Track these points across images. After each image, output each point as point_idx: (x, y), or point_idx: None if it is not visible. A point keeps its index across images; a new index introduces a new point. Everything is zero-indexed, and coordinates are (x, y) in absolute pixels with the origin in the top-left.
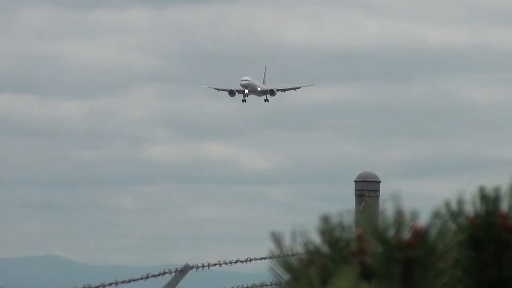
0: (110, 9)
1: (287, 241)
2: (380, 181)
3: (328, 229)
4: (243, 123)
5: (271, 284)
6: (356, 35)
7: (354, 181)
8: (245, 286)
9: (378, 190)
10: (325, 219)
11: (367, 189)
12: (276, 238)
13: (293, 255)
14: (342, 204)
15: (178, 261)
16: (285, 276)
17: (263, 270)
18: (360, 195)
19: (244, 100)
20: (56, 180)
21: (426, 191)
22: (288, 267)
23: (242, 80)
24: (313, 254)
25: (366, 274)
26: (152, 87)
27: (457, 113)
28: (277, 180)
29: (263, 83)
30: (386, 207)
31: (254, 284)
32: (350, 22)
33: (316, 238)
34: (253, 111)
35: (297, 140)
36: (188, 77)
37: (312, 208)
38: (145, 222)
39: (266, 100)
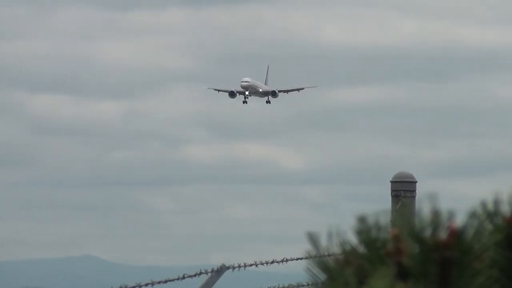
0: (146, 9)
1: (323, 241)
2: (416, 182)
3: (364, 230)
4: (279, 123)
5: (308, 285)
6: (392, 36)
7: (391, 182)
8: (281, 286)
9: (414, 190)
10: (362, 219)
11: (403, 189)
12: (313, 238)
13: (329, 255)
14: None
15: (215, 261)
16: (322, 277)
17: (300, 271)
18: (396, 195)
19: (245, 102)
20: (93, 180)
21: (462, 191)
22: (324, 268)
23: (242, 81)
24: (349, 254)
25: (403, 274)
26: (189, 87)
27: (493, 113)
28: (314, 180)
29: (265, 83)
30: (423, 207)
31: (291, 284)
32: (386, 22)
33: (352, 238)
34: (290, 111)
35: (334, 140)
36: (224, 77)
37: (348, 208)
38: (182, 223)
39: (268, 102)
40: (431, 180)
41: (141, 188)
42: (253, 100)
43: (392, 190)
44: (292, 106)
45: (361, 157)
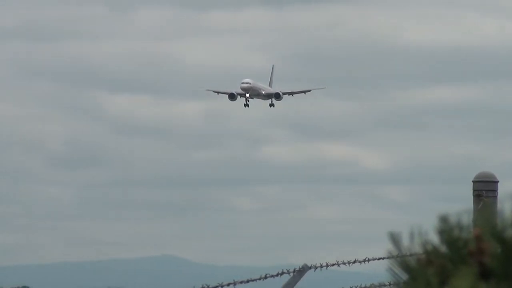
0: (226, 9)
1: (405, 241)
2: (498, 181)
3: (446, 229)
4: (361, 123)
5: (390, 284)
6: (473, 35)
7: (472, 181)
8: (363, 286)
9: (496, 190)
10: (444, 219)
11: (485, 189)
12: (395, 238)
13: (411, 255)
14: (460, 204)
15: (296, 261)
16: (403, 276)
17: (382, 270)
18: (478, 195)
19: (246, 105)
20: (174, 180)
21: None
22: (406, 267)
23: (243, 83)
24: (431, 254)
25: (484, 274)
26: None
27: None
28: (395, 180)
29: (270, 85)
30: (504, 207)
31: (373, 284)
32: (466, 22)
33: (434, 238)
34: (371, 111)
35: (415, 140)
36: (304, 77)
37: (430, 208)
38: (263, 223)
39: (272, 105)
40: None
41: (222, 188)
42: (256, 103)
43: (474, 190)
44: (374, 106)
45: (442, 156)
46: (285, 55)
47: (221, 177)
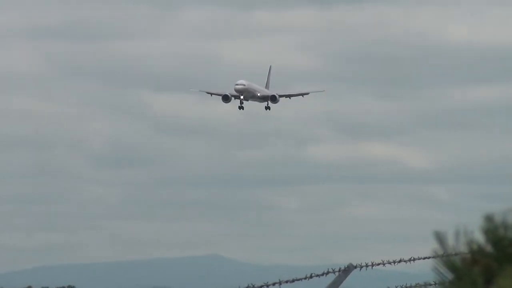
0: (271, 9)
1: (450, 241)
2: None
3: (491, 228)
4: (405, 122)
5: (435, 284)
6: None
7: None
8: (408, 285)
9: None
10: (489, 218)
11: None
12: (440, 238)
13: (456, 254)
14: (506, 203)
15: (341, 261)
16: (449, 276)
17: (427, 270)
18: None
19: (241, 107)
20: (219, 180)
21: None
22: (451, 267)
23: (237, 84)
24: (476, 253)
25: None
26: (315, 87)
27: None
28: (440, 180)
29: (266, 86)
30: None
31: (418, 284)
32: (510, 22)
33: (479, 238)
34: (415, 111)
35: (459, 140)
36: (350, 76)
37: (475, 207)
38: (308, 222)
39: (268, 107)
40: None
41: (268, 187)
42: (251, 106)
43: None
44: (418, 105)
45: (487, 155)
46: (329, 54)
47: (266, 177)
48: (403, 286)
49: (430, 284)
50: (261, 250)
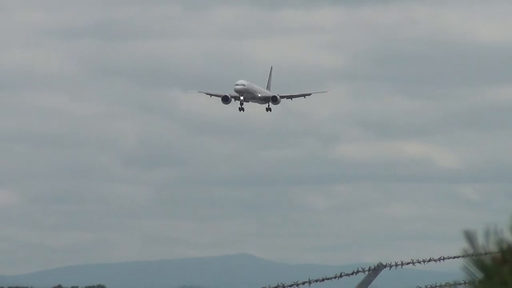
0: (300, 8)
1: (480, 240)
2: None
3: None
4: (434, 121)
5: (465, 283)
6: None
7: None
8: (438, 285)
9: None
10: None
11: None
12: (470, 237)
13: (486, 253)
14: None
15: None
16: (479, 275)
17: (456, 269)
18: None
19: (241, 109)
20: (249, 179)
21: None
22: (481, 266)
23: (237, 85)
24: (506, 252)
25: None
26: (344, 86)
27: None
28: (469, 179)
29: (267, 87)
30: None
31: (447, 283)
32: None
33: (509, 237)
34: (444, 110)
35: (489, 139)
36: (379, 75)
37: (505, 206)
38: (337, 221)
39: (268, 109)
40: None
41: (297, 186)
42: (251, 107)
43: None
44: (447, 104)
45: None
46: (357, 53)
47: (295, 176)
48: (432, 285)
49: (460, 284)
50: (291, 249)
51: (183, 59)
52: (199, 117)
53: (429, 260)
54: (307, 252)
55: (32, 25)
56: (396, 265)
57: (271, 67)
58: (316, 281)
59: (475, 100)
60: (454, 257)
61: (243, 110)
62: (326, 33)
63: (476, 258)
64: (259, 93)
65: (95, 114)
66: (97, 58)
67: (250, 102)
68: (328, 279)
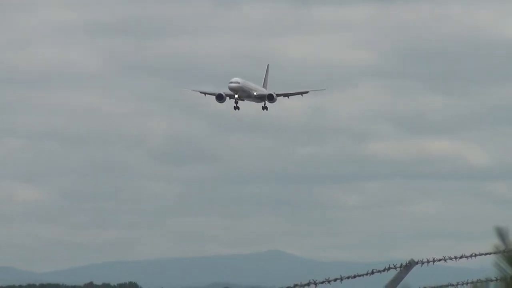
0: (331, 5)
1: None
2: None
3: None
4: (465, 118)
5: (496, 280)
6: None
7: None
8: (470, 281)
9: None
10: None
11: None
12: (501, 233)
13: None
14: None
15: (402, 257)
16: (510, 271)
17: (488, 266)
18: None
19: (236, 107)
20: (280, 176)
21: None
22: None
23: (231, 82)
24: None
25: None
26: (374, 83)
27: None
28: (500, 176)
29: (264, 85)
30: None
31: (479, 280)
32: None
33: None
34: (475, 107)
35: None
36: (409, 73)
37: None
38: (369, 218)
39: (265, 107)
40: None
41: (328, 184)
42: (247, 106)
43: None
44: (478, 101)
45: None
46: (387, 51)
47: (327, 173)
48: (464, 282)
49: (492, 280)
50: (322, 246)
51: (213, 56)
52: (229, 114)
53: (461, 257)
54: (338, 249)
55: (64, 23)
56: (428, 261)
57: (268, 65)
58: (348, 277)
59: (507, 97)
60: (485, 254)
61: (238, 109)
62: (357, 30)
63: (507, 254)
64: (255, 91)
65: (125, 112)
66: (128, 55)
67: (245, 100)
68: (359, 275)
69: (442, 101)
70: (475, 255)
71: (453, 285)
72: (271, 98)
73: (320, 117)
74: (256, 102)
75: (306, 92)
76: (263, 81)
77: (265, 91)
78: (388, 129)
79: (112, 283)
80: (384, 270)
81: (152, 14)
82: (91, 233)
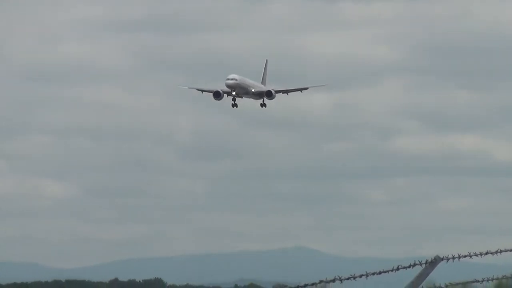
0: (357, 1)
1: None
2: None
3: None
4: (491, 114)
5: None
6: None
7: None
8: (495, 277)
9: None
10: None
11: None
12: None
13: None
14: None
15: (427, 253)
16: None
17: None
18: None
19: (234, 105)
20: (306, 172)
21: None
22: None
23: (228, 79)
24: None
25: None
26: (401, 79)
27: None
28: None
29: (262, 81)
30: None
31: (505, 276)
32: None
33: None
34: (502, 102)
35: None
36: (435, 69)
37: None
38: (395, 215)
39: (263, 104)
40: None
41: (355, 180)
42: (245, 103)
43: None
44: (505, 97)
45: None
46: (414, 46)
47: (353, 169)
48: (490, 278)
49: None
50: (348, 242)
51: (239, 52)
52: (256, 110)
53: (486, 253)
54: (364, 245)
55: (89, 19)
56: (453, 258)
57: (266, 60)
58: (373, 274)
59: None
60: (511, 250)
61: (236, 106)
62: (383, 26)
63: None
64: (253, 88)
65: (152, 108)
66: (153, 51)
67: (243, 97)
68: (385, 272)
69: (468, 97)
70: (501, 252)
71: (478, 281)
72: (269, 94)
73: (347, 113)
74: (254, 99)
75: (306, 89)
76: (261, 78)
77: (264, 88)
78: (414, 125)
79: (137, 279)
80: (409, 266)
81: (178, 10)
82: (117, 229)
